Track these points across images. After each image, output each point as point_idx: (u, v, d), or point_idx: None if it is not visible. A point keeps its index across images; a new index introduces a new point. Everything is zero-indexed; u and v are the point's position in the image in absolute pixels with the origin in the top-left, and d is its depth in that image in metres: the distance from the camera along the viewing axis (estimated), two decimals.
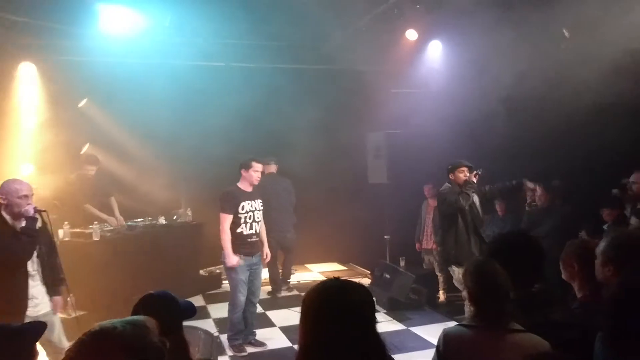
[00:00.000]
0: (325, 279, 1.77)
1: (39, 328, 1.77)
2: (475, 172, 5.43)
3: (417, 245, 7.29)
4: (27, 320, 3.36)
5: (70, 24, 6.44)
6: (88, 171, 6.57)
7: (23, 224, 3.52)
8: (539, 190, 6.48)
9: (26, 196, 3.53)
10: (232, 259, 5.04)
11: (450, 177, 5.48)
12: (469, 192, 5.32)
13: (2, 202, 3.49)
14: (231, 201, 5.08)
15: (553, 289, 2.48)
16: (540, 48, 5.90)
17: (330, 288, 1.68)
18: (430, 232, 7.09)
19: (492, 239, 4.71)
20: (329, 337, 1.59)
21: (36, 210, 3.59)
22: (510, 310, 2.15)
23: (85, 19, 6.33)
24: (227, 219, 5.07)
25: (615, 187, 5.40)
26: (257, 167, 5.19)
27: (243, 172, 5.18)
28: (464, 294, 2.28)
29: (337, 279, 1.72)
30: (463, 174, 5.39)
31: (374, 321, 1.67)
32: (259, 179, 5.23)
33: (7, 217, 3.51)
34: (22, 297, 3.51)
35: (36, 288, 3.64)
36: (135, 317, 1.34)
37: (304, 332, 1.66)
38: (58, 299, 3.82)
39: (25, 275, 3.55)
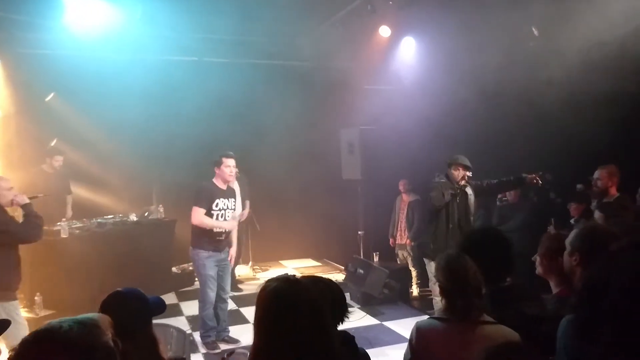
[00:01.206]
0: (281, 275, 1.74)
1: (1, 325, 1.73)
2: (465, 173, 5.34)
3: (391, 240, 7.35)
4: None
5: (35, 15, 6.25)
6: (55, 162, 6.59)
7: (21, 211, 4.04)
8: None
9: (11, 187, 4.04)
10: (229, 222, 5.11)
11: (447, 171, 5.43)
12: (446, 193, 5.28)
13: None
14: (207, 195, 5.02)
15: (524, 283, 2.53)
16: (511, 44, 5.99)
17: (280, 287, 1.65)
18: (403, 228, 7.15)
19: (463, 234, 4.78)
20: (279, 338, 1.57)
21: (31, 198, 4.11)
22: (480, 304, 2.18)
23: (51, 11, 6.15)
24: (199, 212, 4.98)
25: (579, 183, 5.54)
26: (228, 162, 5.09)
27: (216, 169, 5.12)
28: (433, 286, 2.32)
29: (287, 277, 1.70)
30: (457, 172, 5.32)
31: (327, 320, 1.64)
32: (232, 174, 5.13)
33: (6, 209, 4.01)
34: (17, 274, 3.99)
35: None
36: (87, 315, 1.27)
37: (256, 331, 1.64)
38: None
39: (18, 254, 3.99)
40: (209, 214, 5.03)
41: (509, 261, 2.43)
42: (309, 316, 1.59)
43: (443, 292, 2.25)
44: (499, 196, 6.76)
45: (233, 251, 5.39)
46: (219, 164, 5.09)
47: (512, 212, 6.43)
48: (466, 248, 2.53)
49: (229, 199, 5.17)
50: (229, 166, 5.09)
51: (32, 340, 1.19)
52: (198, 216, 4.98)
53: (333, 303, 2.02)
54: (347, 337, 2.19)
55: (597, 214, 4.23)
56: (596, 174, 4.72)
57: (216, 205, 5.05)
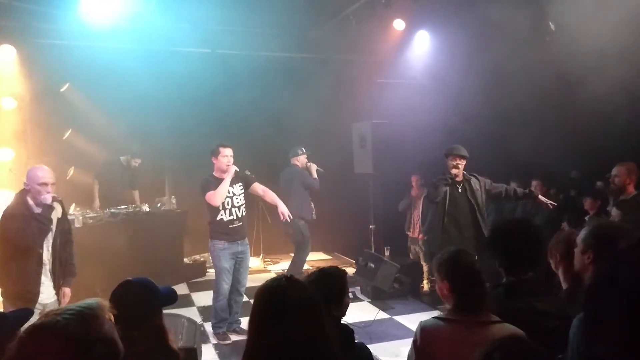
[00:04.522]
0: (275, 275, 1.76)
1: (23, 315, 1.75)
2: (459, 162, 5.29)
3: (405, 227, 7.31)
4: (36, 307, 3.53)
5: (50, 6, 6.30)
6: (133, 162, 7.29)
7: (39, 210, 3.61)
8: (534, 182, 6.52)
9: (45, 184, 3.62)
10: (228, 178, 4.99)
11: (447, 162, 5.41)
12: (440, 186, 5.29)
13: (26, 187, 3.64)
14: (210, 184, 5.04)
15: (541, 279, 2.51)
16: (527, 39, 5.91)
17: (270, 287, 1.66)
18: (417, 221, 7.10)
19: (493, 224, 4.75)
20: (269, 336, 1.58)
21: (54, 199, 3.67)
22: (483, 300, 2.15)
23: (66, 2, 6.19)
24: (212, 194, 4.98)
25: (599, 180, 5.46)
26: (225, 151, 5.08)
27: (213, 159, 5.12)
28: (438, 284, 2.27)
29: (282, 277, 1.70)
30: (455, 162, 5.28)
31: (320, 319, 1.63)
32: (229, 164, 5.09)
33: (31, 203, 3.64)
34: (34, 284, 3.61)
35: (45, 277, 3.73)
36: (86, 303, 1.23)
37: (249, 328, 1.65)
38: (67, 290, 3.87)
39: (39, 262, 3.66)
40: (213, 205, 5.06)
41: (535, 255, 2.39)
42: (300, 316, 1.59)
43: (450, 290, 2.19)
44: None
45: (283, 208, 5.27)
46: (216, 153, 5.08)
47: (537, 209, 6.35)
48: (496, 236, 2.51)
49: (233, 186, 5.15)
50: (226, 156, 5.07)
51: (28, 337, 1.16)
52: (212, 196, 4.99)
53: (327, 295, 2.02)
54: (346, 331, 2.19)
55: (614, 211, 4.17)
56: (614, 171, 4.65)
57: None
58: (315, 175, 6.90)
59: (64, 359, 1.12)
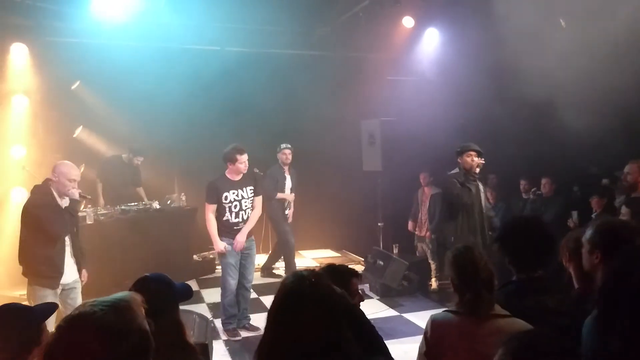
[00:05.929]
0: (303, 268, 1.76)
1: (49, 308, 1.80)
2: (479, 160, 5.25)
3: (411, 224, 7.26)
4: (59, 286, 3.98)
5: (62, 4, 6.36)
6: (135, 160, 7.08)
7: (67, 203, 4.00)
8: (544, 179, 6.51)
9: (75, 180, 3.98)
10: (219, 245, 5.14)
11: (458, 160, 5.33)
12: (471, 186, 5.22)
13: (54, 180, 3.93)
14: (213, 192, 5.14)
15: (551, 277, 2.52)
16: (537, 36, 5.87)
17: (293, 282, 1.66)
18: (424, 220, 7.09)
19: (504, 222, 4.74)
20: (287, 332, 1.59)
21: (80, 195, 4.06)
22: (489, 297, 2.18)
23: (78, 0, 6.25)
24: (209, 209, 5.17)
25: (605, 178, 5.43)
26: (242, 158, 5.18)
27: (229, 165, 5.19)
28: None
29: (303, 274, 1.69)
30: (470, 159, 5.24)
31: (338, 318, 1.63)
32: (246, 167, 5.23)
33: (56, 194, 3.95)
34: (60, 265, 3.97)
35: (68, 260, 4.09)
36: (119, 296, 1.27)
37: (267, 323, 1.67)
38: (85, 272, 4.27)
39: (64, 246, 4.01)
40: (221, 207, 5.15)
41: (545, 253, 2.39)
42: (317, 311, 1.59)
43: (453, 286, 2.27)
44: (532, 189, 6.67)
45: (240, 237, 5.18)
46: (233, 160, 5.16)
47: (545, 206, 6.33)
48: (506, 234, 2.53)
49: (244, 189, 5.23)
50: (244, 162, 5.19)
51: (66, 326, 1.19)
52: (207, 213, 5.20)
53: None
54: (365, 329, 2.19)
55: (624, 209, 4.15)
56: (627, 168, 4.63)
57: (225, 199, 5.14)
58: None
59: (100, 348, 1.16)
